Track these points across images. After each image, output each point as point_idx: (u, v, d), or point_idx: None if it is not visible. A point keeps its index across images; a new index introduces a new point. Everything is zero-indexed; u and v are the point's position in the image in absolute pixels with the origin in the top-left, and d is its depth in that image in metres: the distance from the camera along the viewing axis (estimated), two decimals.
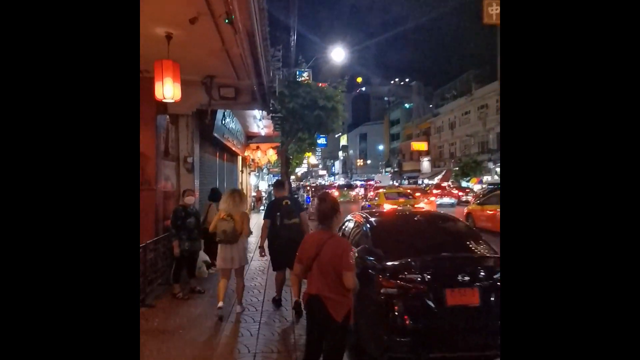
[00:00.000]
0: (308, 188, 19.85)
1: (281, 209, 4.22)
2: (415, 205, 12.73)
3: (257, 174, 21.32)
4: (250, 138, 13.81)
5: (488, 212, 10.77)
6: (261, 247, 4.49)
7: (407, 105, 57.87)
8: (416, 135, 49.57)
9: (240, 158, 13.76)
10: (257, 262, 7.00)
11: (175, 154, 6.15)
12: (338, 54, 14.02)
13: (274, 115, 7.93)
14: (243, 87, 5.59)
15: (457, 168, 33.90)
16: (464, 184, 31.60)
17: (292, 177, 47.70)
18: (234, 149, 10.80)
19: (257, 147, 14.48)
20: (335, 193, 27.92)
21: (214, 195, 6.20)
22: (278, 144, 13.02)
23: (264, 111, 7.67)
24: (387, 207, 12.53)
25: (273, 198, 4.71)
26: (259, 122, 10.14)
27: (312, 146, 12.22)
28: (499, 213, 9.62)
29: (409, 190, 15.90)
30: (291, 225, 4.17)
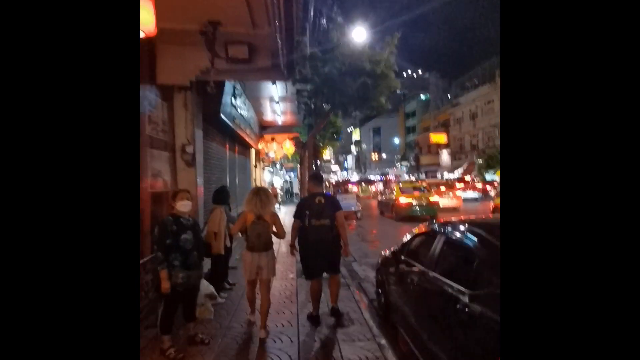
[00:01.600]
0: (327, 184, 18.24)
1: (312, 207, 3.77)
2: (430, 199, 12.98)
3: (272, 169, 19.77)
4: (265, 128, 12.19)
5: None
6: (292, 246, 4.05)
7: (423, 97, 55.83)
8: (434, 127, 47.72)
9: (253, 151, 12.16)
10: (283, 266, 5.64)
11: (170, 142, 4.53)
12: (359, 34, 12.20)
13: (300, 88, 5.98)
14: (260, 42, 3.92)
15: (481, 160, 31.99)
16: (488, 177, 29.68)
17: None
18: (247, 139, 9.20)
19: (272, 139, 12.86)
20: (354, 188, 26.75)
21: (219, 197, 4.60)
22: (296, 134, 11.34)
23: (285, 86, 5.90)
24: (403, 200, 12.89)
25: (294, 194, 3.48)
26: (276, 105, 8.50)
27: (336, 135, 10.56)
28: None
29: (424, 184, 15.99)
30: (320, 227, 3.74)
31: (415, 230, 3.84)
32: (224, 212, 4.44)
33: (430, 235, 3.28)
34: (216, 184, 5.63)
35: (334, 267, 3.95)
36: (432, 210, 12.89)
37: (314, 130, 6.02)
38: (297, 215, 3.87)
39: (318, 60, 5.13)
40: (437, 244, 2.96)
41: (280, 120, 10.54)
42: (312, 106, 6.08)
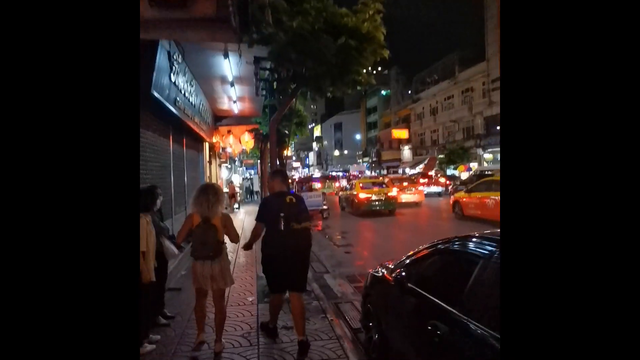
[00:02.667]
0: (291, 181, 17.03)
1: (286, 208, 3.17)
2: (389, 194, 13.47)
3: (229, 165, 18.25)
4: (220, 119, 10.79)
5: (476, 199, 10.65)
6: (248, 248, 3.46)
7: (384, 92, 55.90)
8: (395, 122, 47.87)
9: (207, 145, 10.73)
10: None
11: None
12: None
13: (259, 57, 4.59)
14: None
15: (442, 156, 32.25)
16: (449, 172, 29.92)
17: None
18: (197, 130, 7.83)
19: (229, 132, 11.47)
20: (318, 185, 25.89)
21: (146, 200, 3.33)
22: (256, 126, 10.04)
23: (240, 61, 4.61)
24: (363, 195, 13.21)
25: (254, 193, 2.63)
26: (231, 90, 7.20)
27: (301, 127, 9.45)
28: (487, 200, 9.98)
29: (384, 180, 16.60)
30: (302, 232, 3.22)
31: (423, 250, 2.78)
32: (150, 222, 3.16)
33: (457, 257, 2.25)
34: (156, 184, 4.26)
35: (303, 283, 3.42)
36: (390, 205, 13.45)
37: (276, 114, 4.63)
38: (263, 218, 3.24)
39: (283, 13, 3.80)
40: (474, 272, 1.92)
41: (236, 108, 9.22)
42: (275, 81, 4.73)
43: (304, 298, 4.26)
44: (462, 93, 34.09)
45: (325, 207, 13.01)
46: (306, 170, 78.09)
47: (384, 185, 14.41)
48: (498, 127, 28.59)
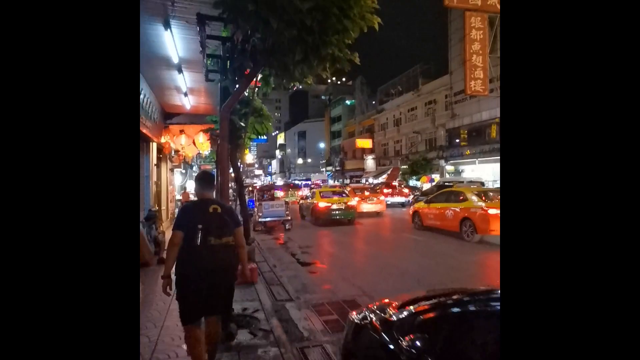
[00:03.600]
0: (251, 189, 15.80)
1: (206, 219, 2.69)
2: (349, 203, 13.41)
3: (184, 170, 16.72)
4: (170, 116, 9.50)
5: (435, 210, 10.73)
6: (166, 277, 2.67)
7: (348, 102, 56.00)
8: (359, 132, 47.89)
9: (153, 146, 9.37)
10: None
11: None
12: None
13: (204, 13, 3.27)
14: None
15: (405, 166, 32.35)
16: (412, 182, 29.95)
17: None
18: (142, 129, 6.59)
19: (181, 131, 10.18)
20: (281, 193, 24.83)
21: None
22: (211, 125, 8.85)
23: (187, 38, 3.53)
24: (322, 204, 13.18)
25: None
26: (179, 78, 6.07)
27: (261, 121, 8.38)
28: (446, 211, 10.17)
29: (346, 189, 16.62)
30: (221, 248, 2.68)
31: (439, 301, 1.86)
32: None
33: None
34: None
35: (224, 307, 2.93)
36: (350, 214, 13.36)
37: (230, 99, 3.47)
38: (181, 226, 2.69)
39: None
40: None
41: (189, 104, 8.03)
42: (228, 56, 3.55)
43: (261, 343, 3.26)
44: (426, 105, 34.51)
45: (288, 217, 11.96)
46: (269, 178, 76.71)
47: (344, 195, 14.34)
48: (457, 140, 29.38)
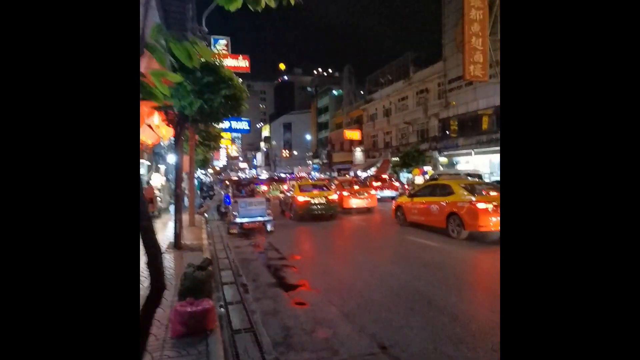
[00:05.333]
0: (227, 183, 13.81)
1: None
2: (329, 197, 12.55)
3: (150, 163, 14.66)
4: None
5: (420, 205, 10.03)
6: None
7: (335, 92, 54.10)
8: (347, 123, 46.16)
9: None
10: None
11: None
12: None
13: None
14: None
15: (396, 158, 30.79)
16: (403, 175, 28.38)
17: (209, 170, 41.33)
18: None
19: None
20: (264, 188, 23.03)
21: None
22: (169, 103, 6.86)
23: None
24: (301, 198, 12.30)
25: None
26: None
27: (234, 103, 6.51)
28: (431, 206, 9.45)
29: (325, 182, 15.61)
30: None
31: None
32: None
33: None
34: None
35: None
36: (331, 209, 12.59)
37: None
38: None
39: None
40: None
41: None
42: None
43: None
44: (417, 94, 32.99)
45: (269, 217, 10.08)
46: (254, 171, 74.52)
47: (325, 189, 13.33)
48: (447, 132, 27.93)
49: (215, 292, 4.66)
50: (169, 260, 6.14)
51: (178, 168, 7.27)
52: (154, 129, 8.43)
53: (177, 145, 7.12)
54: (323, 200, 12.37)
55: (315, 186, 13.59)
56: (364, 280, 5.33)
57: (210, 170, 42.87)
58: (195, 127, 8.74)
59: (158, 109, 6.90)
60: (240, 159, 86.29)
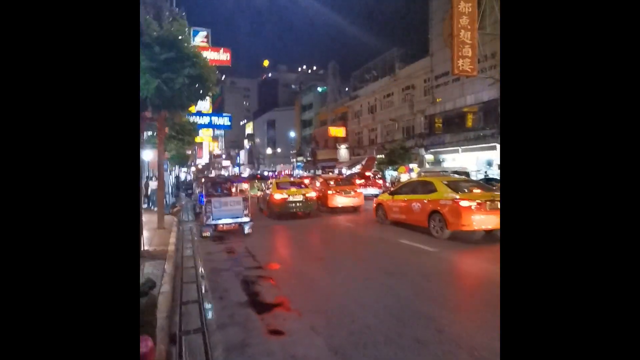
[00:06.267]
0: (202, 182, 12.69)
1: None
2: (307, 195, 12.23)
3: None
4: None
5: (401, 202, 9.63)
6: None
7: (320, 89, 53.19)
8: (331, 120, 45.35)
9: None
10: None
11: None
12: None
13: None
14: None
15: (381, 156, 30.13)
16: (388, 173, 27.69)
17: (192, 168, 39.86)
18: None
19: None
20: (245, 186, 22.06)
21: None
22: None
23: None
24: (278, 196, 12.01)
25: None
26: None
27: (201, 84, 5.53)
28: (413, 204, 9.06)
29: (302, 180, 15.46)
30: None
31: None
32: None
33: None
34: None
35: None
36: (309, 207, 12.29)
37: None
38: None
39: None
40: None
41: None
42: None
43: None
44: (403, 90, 32.45)
45: (247, 218, 9.08)
46: (237, 169, 72.95)
47: (302, 186, 13.09)
48: (433, 129, 27.42)
49: (170, 317, 3.70)
50: None
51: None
52: None
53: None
54: (300, 198, 12.06)
55: (293, 184, 13.27)
56: (355, 298, 4.44)
57: (193, 169, 41.47)
58: (158, 116, 7.67)
59: None
60: (224, 157, 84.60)
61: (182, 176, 30.52)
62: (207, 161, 56.49)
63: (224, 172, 55.14)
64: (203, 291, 4.81)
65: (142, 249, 6.24)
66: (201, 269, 5.99)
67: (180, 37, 5.08)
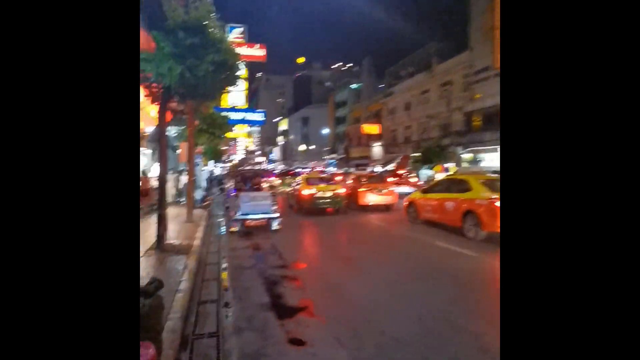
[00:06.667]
0: (233, 176, 12.56)
1: None
2: (336, 191, 12.10)
3: (146, 149, 13.61)
4: None
5: (433, 201, 9.25)
6: None
7: (354, 86, 52.53)
8: (365, 118, 44.62)
9: None
10: None
11: None
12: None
13: None
14: None
15: (417, 154, 29.19)
16: (423, 172, 26.73)
17: (228, 163, 40.56)
18: None
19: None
20: (277, 181, 22.08)
21: None
22: (150, 75, 5.67)
23: None
24: (306, 191, 11.91)
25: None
26: None
27: (227, 72, 5.26)
28: (446, 202, 8.65)
29: (331, 176, 15.73)
30: None
31: None
32: None
33: None
34: None
35: None
36: (337, 203, 12.11)
37: None
38: None
39: None
40: None
41: None
42: None
43: None
44: (440, 87, 31.23)
45: (275, 214, 8.85)
46: (270, 165, 73.84)
47: (332, 182, 13.03)
48: (476, 124, 26.17)
49: (185, 317, 3.46)
50: (143, 267, 4.98)
51: (162, 156, 6.09)
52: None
53: (160, 126, 5.94)
54: (329, 194, 11.94)
55: (322, 179, 13.16)
56: (385, 306, 4.03)
57: (229, 164, 42.21)
58: (184, 105, 7.54)
59: (149, 88, 5.73)
60: (257, 153, 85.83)
61: (217, 171, 31.04)
62: (243, 156, 57.38)
63: (256, 168, 55.87)
64: (223, 290, 4.57)
65: (165, 242, 6.13)
66: (224, 266, 5.78)
67: (205, 23, 4.85)
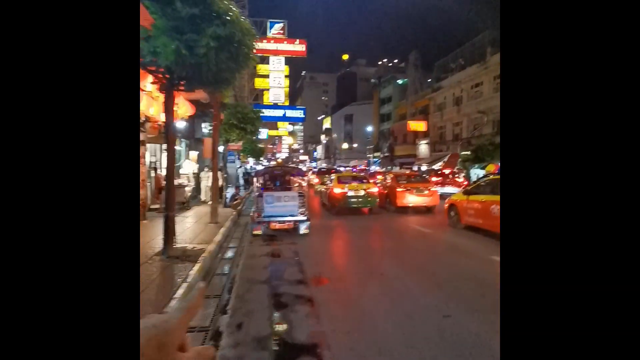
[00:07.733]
0: (259, 174, 11.76)
1: None
2: (368, 190, 11.72)
3: (186, 148, 13.39)
4: None
5: (477, 204, 8.27)
6: None
7: (400, 81, 50.53)
8: (411, 114, 42.64)
9: None
10: None
11: None
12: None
13: None
14: None
15: (468, 152, 27.11)
16: (474, 172, 24.69)
17: (272, 162, 40.59)
18: None
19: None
20: (315, 180, 21.44)
21: None
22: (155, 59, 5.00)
23: None
24: (338, 190, 11.68)
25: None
26: None
27: (235, 51, 4.39)
28: (492, 206, 7.74)
29: (364, 175, 15.19)
30: None
31: None
32: None
33: None
34: None
35: None
36: (370, 202, 11.70)
37: None
38: None
39: None
40: None
41: None
42: None
43: None
44: (495, 79, 28.86)
45: (303, 216, 7.97)
46: (314, 164, 73.64)
47: (364, 181, 12.46)
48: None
49: None
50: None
51: (169, 151, 5.41)
52: (154, 102, 6.74)
53: (167, 115, 5.25)
54: (361, 193, 11.53)
55: (355, 178, 12.77)
56: (424, 352, 2.98)
57: (273, 162, 42.33)
58: (191, 91, 6.86)
59: (144, 68, 5.07)
60: (301, 151, 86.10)
61: (259, 169, 30.96)
62: (287, 155, 57.55)
63: (301, 167, 55.74)
64: (220, 315, 3.74)
65: (175, 246, 5.47)
66: (235, 278, 4.98)
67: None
